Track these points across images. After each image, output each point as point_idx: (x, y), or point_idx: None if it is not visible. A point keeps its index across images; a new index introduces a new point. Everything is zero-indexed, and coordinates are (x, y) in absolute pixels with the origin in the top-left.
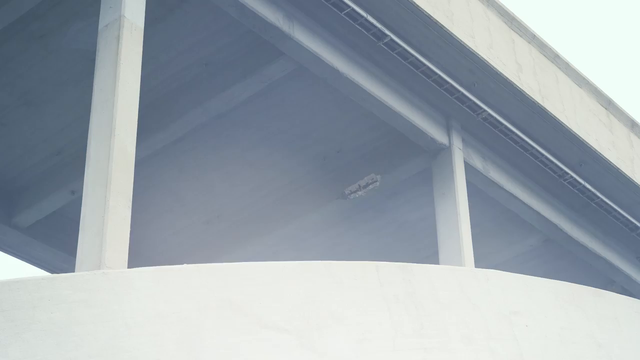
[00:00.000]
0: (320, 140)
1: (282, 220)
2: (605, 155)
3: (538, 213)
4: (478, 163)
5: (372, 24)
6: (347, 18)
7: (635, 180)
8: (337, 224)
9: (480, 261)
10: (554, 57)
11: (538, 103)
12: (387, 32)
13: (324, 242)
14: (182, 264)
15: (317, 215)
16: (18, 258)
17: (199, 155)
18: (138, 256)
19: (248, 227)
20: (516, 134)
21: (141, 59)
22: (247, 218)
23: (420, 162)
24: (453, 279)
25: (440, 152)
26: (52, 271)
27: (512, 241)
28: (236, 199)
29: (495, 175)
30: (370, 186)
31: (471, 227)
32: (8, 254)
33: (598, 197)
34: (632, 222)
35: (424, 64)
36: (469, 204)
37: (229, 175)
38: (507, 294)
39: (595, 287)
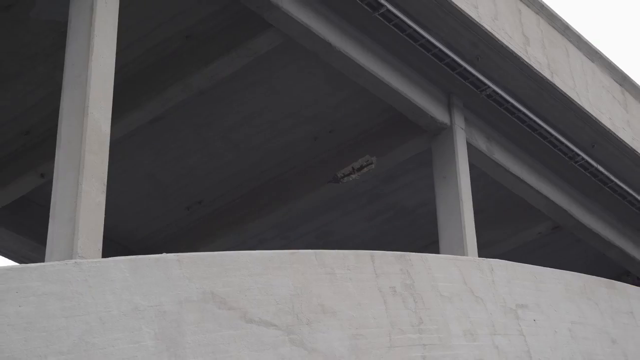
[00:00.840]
0: (310, 120)
1: (269, 206)
2: (619, 136)
3: (547, 198)
4: (482, 144)
5: None
6: None
7: None
8: (329, 210)
9: (484, 250)
10: (564, 29)
11: (547, 79)
12: (383, 1)
13: (314, 230)
14: (161, 253)
15: (307, 200)
16: None
17: (179, 135)
18: (113, 245)
19: (232, 214)
20: (523, 113)
21: (116, 31)
22: (231, 204)
23: (420, 143)
24: (455, 269)
25: (440, 132)
26: (20, 261)
27: (519, 228)
28: (219, 183)
29: (501, 157)
30: (365, 169)
31: (474, 214)
32: None
33: (612, 181)
34: None
35: (423, 37)
36: (472, 188)
37: (211, 157)
38: (513, 285)
39: (609, 278)
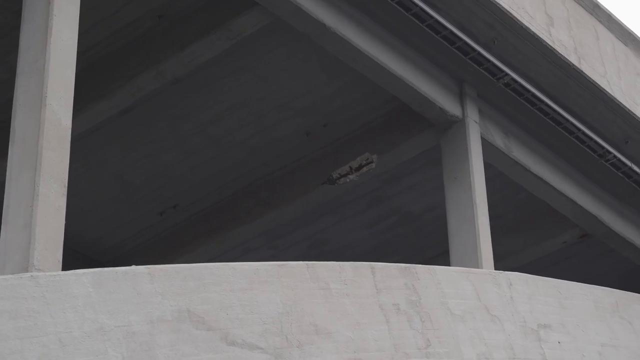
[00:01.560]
0: (302, 112)
1: (255, 211)
2: None
3: (573, 202)
4: (498, 139)
5: None
6: None
7: None
8: (324, 215)
9: (502, 262)
10: (594, 8)
11: (573, 65)
12: None
13: (306, 239)
14: (130, 264)
15: (298, 204)
16: None
17: (151, 130)
18: (75, 256)
19: (212, 220)
20: (546, 104)
21: (79, 9)
22: (211, 208)
23: (427, 138)
24: (467, 284)
25: (451, 126)
26: None
27: (541, 237)
28: (197, 184)
29: (520, 154)
30: (365, 169)
31: (490, 220)
32: None
33: None
34: None
35: (432, 16)
36: (487, 191)
37: (188, 155)
38: (534, 302)
39: None
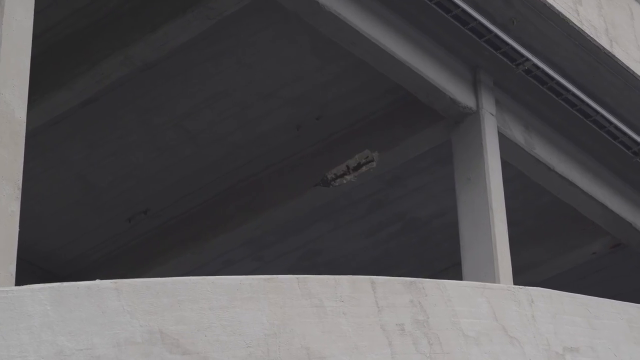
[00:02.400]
0: (291, 103)
1: (238, 217)
2: None
3: (604, 206)
4: (518, 134)
5: None
6: None
7: None
8: (317, 222)
9: (522, 276)
10: None
11: (604, 49)
12: None
13: (297, 249)
14: (94, 279)
15: (287, 209)
16: None
17: (118, 123)
18: (31, 268)
19: (188, 227)
20: (573, 94)
21: None
22: (187, 214)
23: (436, 133)
24: (482, 300)
25: (464, 120)
26: None
27: (567, 247)
28: (171, 186)
29: (543, 151)
30: (364, 168)
31: (509, 227)
32: None
33: None
34: None
35: None
36: (505, 194)
37: (161, 152)
38: (560, 322)
39: None
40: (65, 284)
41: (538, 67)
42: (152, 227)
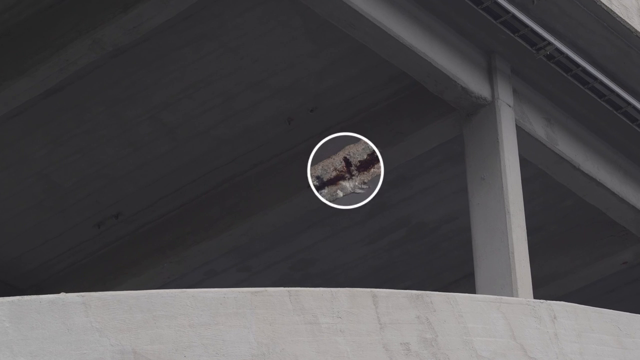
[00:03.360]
0: (282, 93)
1: (221, 222)
2: None
3: (636, 209)
4: (539, 128)
5: None
6: None
7: None
8: (311, 227)
9: (543, 288)
10: None
11: (636, 31)
12: None
13: (288, 258)
14: (59, 292)
15: (277, 214)
16: None
17: (85, 116)
18: None
19: (165, 234)
20: (601, 82)
21: None
22: (164, 219)
23: (446, 127)
24: (498, 316)
25: (477, 112)
26: None
27: (595, 256)
28: (146, 187)
29: (567, 147)
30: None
31: (528, 233)
32: None
33: None
34: None
35: None
36: (524, 195)
37: (135, 148)
38: (586, 341)
39: None
40: (26, 297)
41: (561, 52)
42: (124, 234)
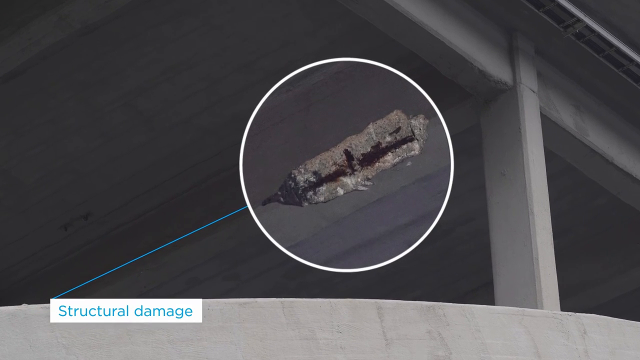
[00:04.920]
0: (274, 76)
1: (204, 224)
2: None
3: None
4: (567, 117)
5: None
6: None
7: None
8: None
9: (572, 299)
10: None
11: None
12: None
13: (282, 264)
14: (20, 302)
15: None
16: None
17: (50, 102)
18: None
19: (141, 237)
20: (637, 64)
21: None
22: (139, 220)
23: (461, 115)
24: (521, 331)
25: (497, 98)
26: None
27: (630, 262)
28: (119, 184)
29: (599, 138)
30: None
31: (555, 237)
32: None
33: None
34: None
35: None
36: (549, 193)
37: (105, 140)
38: (620, 358)
39: None
40: None
41: (592, 30)
42: (94, 237)
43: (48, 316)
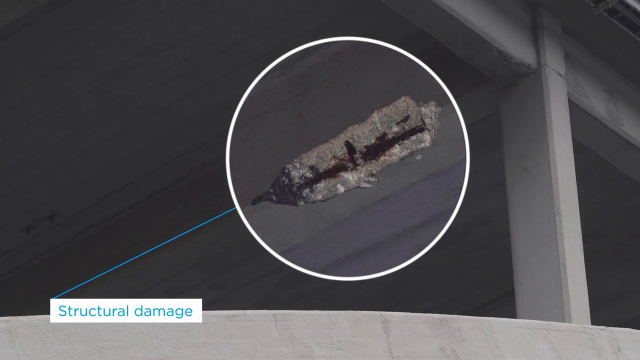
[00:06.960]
0: (265, 57)
1: (185, 226)
2: None
3: None
4: (598, 104)
5: None
6: None
7: None
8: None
9: (604, 310)
10: None
11: None
12: None
13: (274, 271)
14: None
15: None
16: None
17: (10, 88)
18: None
19: (114, 241)
20: None
21: None
22: (111, 221)
23: (478, 102)
24: (546, 347)
25: (519, 82)
26: None
27: None
28: (90, 180)
29: (634, 128)
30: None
31: (585, 241)
32: None
33: None
34: None
35: None
36: (579, 192)
37: (73, 130)
38: None
39: None
40: None
41: (627, 6)
42: (61, 241)
43: (8, 330)
